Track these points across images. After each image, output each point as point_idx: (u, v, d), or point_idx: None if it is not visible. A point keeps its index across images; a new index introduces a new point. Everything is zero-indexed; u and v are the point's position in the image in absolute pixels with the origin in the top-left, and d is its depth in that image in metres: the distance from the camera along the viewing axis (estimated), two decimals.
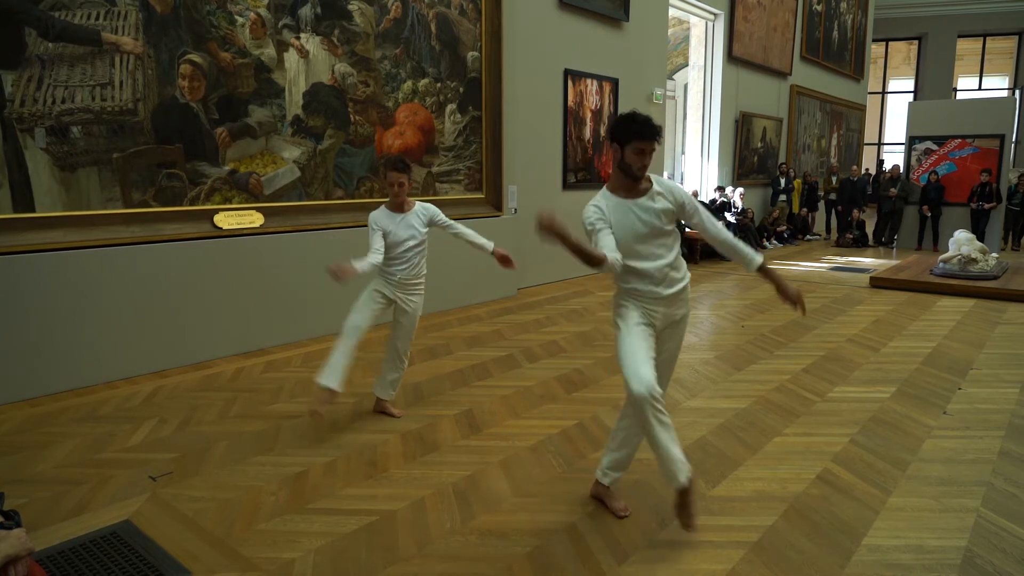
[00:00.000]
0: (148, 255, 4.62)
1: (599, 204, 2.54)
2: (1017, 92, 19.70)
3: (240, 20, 5.03)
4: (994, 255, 8.75)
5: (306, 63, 5.48)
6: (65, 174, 4.28)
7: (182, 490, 2.99)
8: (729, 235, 2.69)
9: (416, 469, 3.21)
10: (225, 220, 5.04)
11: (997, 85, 21.68)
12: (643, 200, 2.52)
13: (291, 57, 5.37)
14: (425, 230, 3.73)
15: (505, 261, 3.71)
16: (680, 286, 2.60)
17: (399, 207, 3.68)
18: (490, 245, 3.75)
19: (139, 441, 3.53)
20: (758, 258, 2.64)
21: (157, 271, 4.67)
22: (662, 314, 2.58)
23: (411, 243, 3.67)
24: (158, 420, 3.81)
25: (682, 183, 13.36)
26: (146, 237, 4.62)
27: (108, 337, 4.46)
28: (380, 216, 3.66)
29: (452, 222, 3.80)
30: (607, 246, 2.43)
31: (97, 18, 4.33)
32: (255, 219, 5.22)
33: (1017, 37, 20.21)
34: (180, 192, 4.82)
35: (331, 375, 3.51)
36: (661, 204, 2.52)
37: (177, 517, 2.75)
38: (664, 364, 2.70)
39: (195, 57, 4.80)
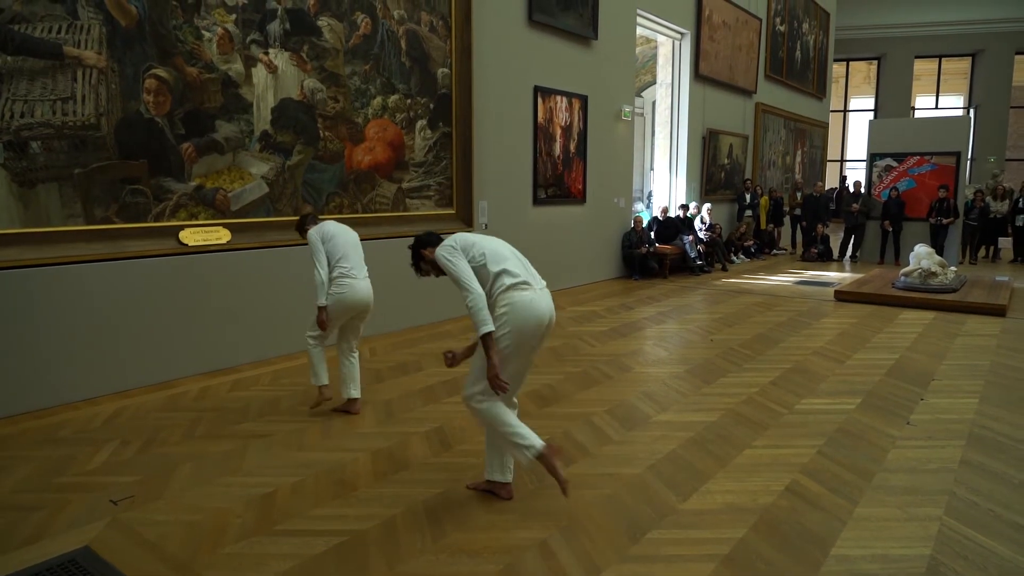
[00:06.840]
0: (111, 272, 4.52)
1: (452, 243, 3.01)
2: (971, 111, 20.40)
3: (207, 35, 4.98)
4: (953, 268, 8.99)
5: (275, 78, 5.45)
6: (24, 190, 4.17)
7: (145, 514, 2.91)
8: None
9: (386, 488, 3.17)
10: (191, 236, 4.96)
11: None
12: None
13: (259, 72, 5.33)
14: None
15: None
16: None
17: None
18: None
19: (100, 464, 3.43)
20: (483, 328, 2.77)
21: (120, 289, 4.57)
22: None
23: None
24: (120, 442, 3.71)
25: (650, 199, 13.54)
26: (109, 254, 4.52)
27: (68, 357, 4.34)
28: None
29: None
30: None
31: (59, 32, 4.25)
32: (222, 235, 5.15)
33: (971, 58, 20.96)
34: (144, 208, 4.74)
35: None
36: None
37: (139, 542, 2.68)
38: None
39: (160, 72, 4.74)
